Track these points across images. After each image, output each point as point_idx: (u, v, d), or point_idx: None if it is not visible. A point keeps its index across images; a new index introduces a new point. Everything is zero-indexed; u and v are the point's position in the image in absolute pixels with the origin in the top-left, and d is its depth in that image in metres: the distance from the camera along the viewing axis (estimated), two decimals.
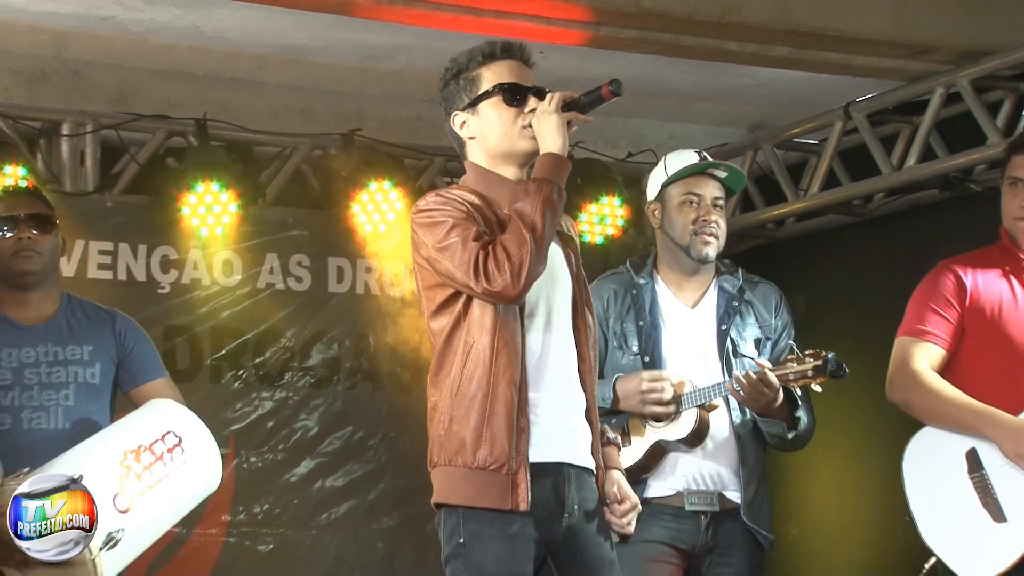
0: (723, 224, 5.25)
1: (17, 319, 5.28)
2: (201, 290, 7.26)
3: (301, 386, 7.39)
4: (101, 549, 4.63)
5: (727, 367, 5.17)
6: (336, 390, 7.41)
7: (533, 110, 4.02)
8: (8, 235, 5.20)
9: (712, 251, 5.21)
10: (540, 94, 4.04)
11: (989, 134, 6.41)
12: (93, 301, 5.61)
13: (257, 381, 7.32)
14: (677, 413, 5.08)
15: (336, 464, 7.39)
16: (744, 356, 5.21)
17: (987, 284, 4.97)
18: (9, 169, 6.59)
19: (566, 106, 3.96)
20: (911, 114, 6.86)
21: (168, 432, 4.98)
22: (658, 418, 5.09)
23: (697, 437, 5.11)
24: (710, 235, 5.18)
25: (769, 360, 5.06)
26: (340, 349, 7.49)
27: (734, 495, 5.18)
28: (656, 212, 5.32)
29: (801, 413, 5.12)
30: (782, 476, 6.93)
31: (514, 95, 4.04)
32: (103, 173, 7.18)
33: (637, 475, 5.09)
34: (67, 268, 6.57)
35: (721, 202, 5.25)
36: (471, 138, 4.12)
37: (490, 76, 4.09)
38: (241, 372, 7.28)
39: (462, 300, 3.98)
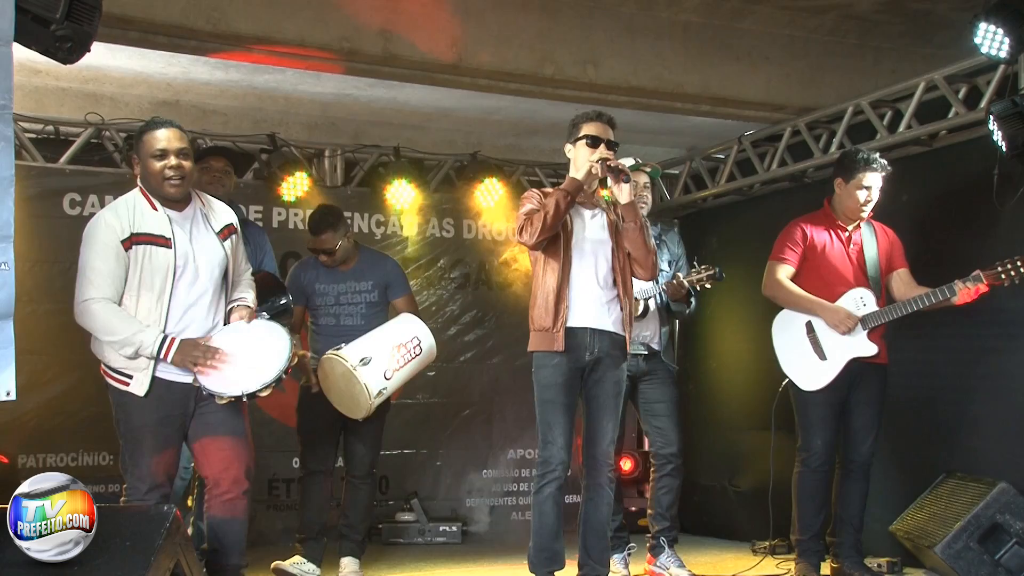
0: (650, 198, 5.20)
1: (339, 268, 5.40)
2: (396, 237, 7.29)
3: (450, 288, 7.39)
4: (375, 397, 4.88)
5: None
6: (467, 290, 7.41)
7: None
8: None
9: (644, 212, 5.01)
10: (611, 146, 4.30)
11: (815, 152, 6.42)
12: (375, 248, 5.81)
13: (426, 284, 7.33)
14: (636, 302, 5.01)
15: (467, 329, 7.41)
16: (663, 270, 5.18)
17: (817, 232, 5.06)
18: (298, 173, 6.71)
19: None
20: (774, 141, 6.84)
21: (414, 336, 5.11)
22: None
23: (642, 315, 5.08)
24: (643, 204, 5.02)
25: (681, 273, 5.15)
26: (469, 268, 7.44)
27: (656, 345, 5.18)
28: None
29: (693, 302, 5.17)
30: (709, 334, 7.00)
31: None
32: (360, 177, 7.23)
33: None
34: None
35: (648, 185, 5.17)
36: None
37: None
38: (418, 279, 7.28)
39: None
